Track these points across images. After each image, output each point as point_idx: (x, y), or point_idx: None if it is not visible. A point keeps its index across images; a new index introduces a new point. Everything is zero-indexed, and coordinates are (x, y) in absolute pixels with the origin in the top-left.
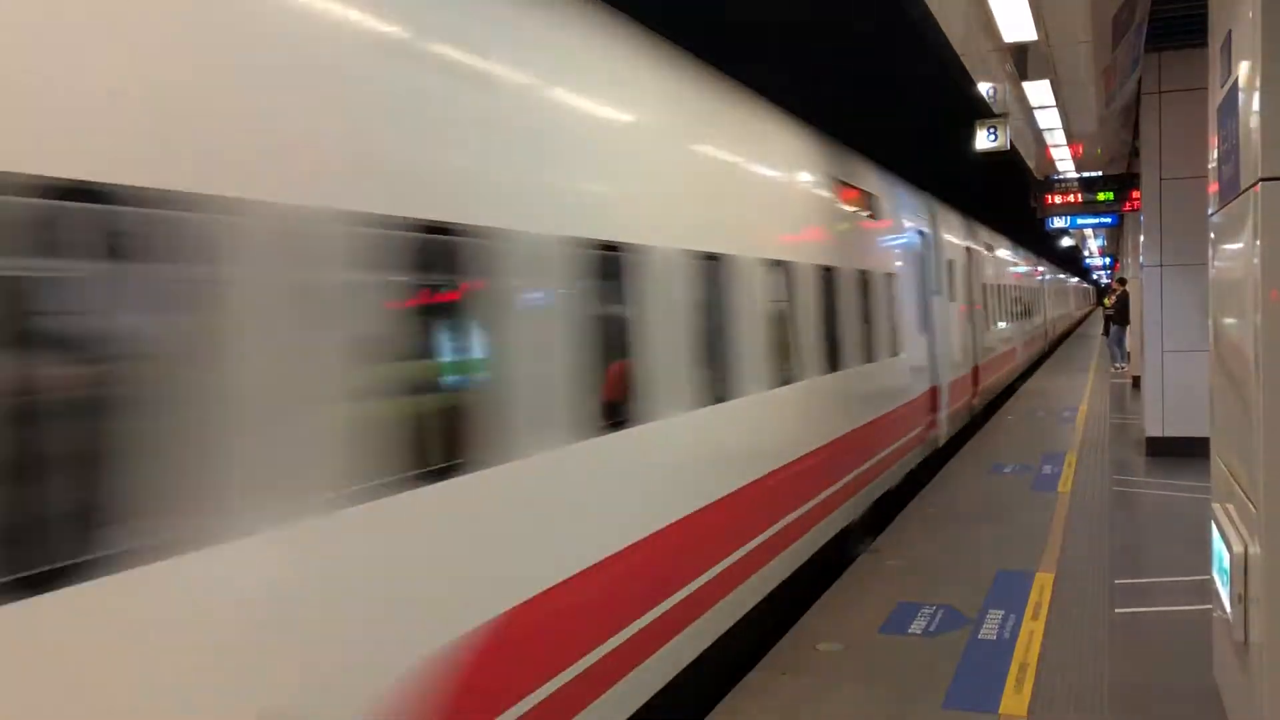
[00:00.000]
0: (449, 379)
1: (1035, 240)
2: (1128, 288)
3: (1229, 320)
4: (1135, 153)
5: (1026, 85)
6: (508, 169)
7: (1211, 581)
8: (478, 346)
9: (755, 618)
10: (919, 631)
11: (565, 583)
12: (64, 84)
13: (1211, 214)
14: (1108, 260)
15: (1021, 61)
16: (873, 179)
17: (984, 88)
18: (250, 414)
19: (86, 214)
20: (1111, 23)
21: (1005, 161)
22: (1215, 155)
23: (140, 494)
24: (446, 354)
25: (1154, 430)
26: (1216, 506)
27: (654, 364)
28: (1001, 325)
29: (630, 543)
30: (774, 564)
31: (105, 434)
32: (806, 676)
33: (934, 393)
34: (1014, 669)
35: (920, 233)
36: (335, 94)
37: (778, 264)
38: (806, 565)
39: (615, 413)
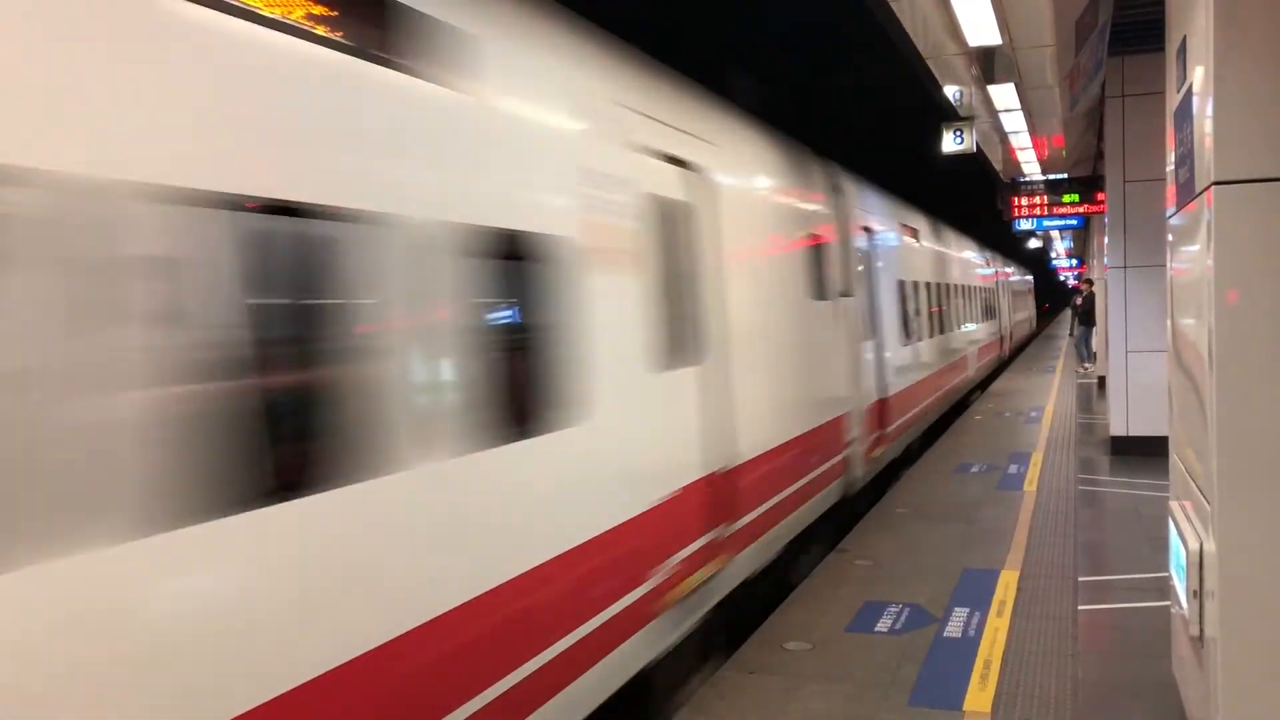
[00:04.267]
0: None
1: (1011, 243)
2: (1094, 288)
3: (1185, 321)
4: (1100, 155)
5: (992, 89)
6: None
7: (1170, 578)
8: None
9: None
10: (885, 630)
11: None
12: None
13: (1169, 216)
14: (1075, 261)
15: (987, 65)
16: (1004, 262)
17: (950, 91)
18: None
19: None
20: (1075, 27)
21: (974, 163)
22: (1172, 159)
23: None
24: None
25: (1118, 429)
26: (1174, 504)
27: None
28: (1017, 313)
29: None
30: (982, 364)
31: None
32: (773, 675)
33: (1001, 339)
34: (978, 666)
35: (998, 272)
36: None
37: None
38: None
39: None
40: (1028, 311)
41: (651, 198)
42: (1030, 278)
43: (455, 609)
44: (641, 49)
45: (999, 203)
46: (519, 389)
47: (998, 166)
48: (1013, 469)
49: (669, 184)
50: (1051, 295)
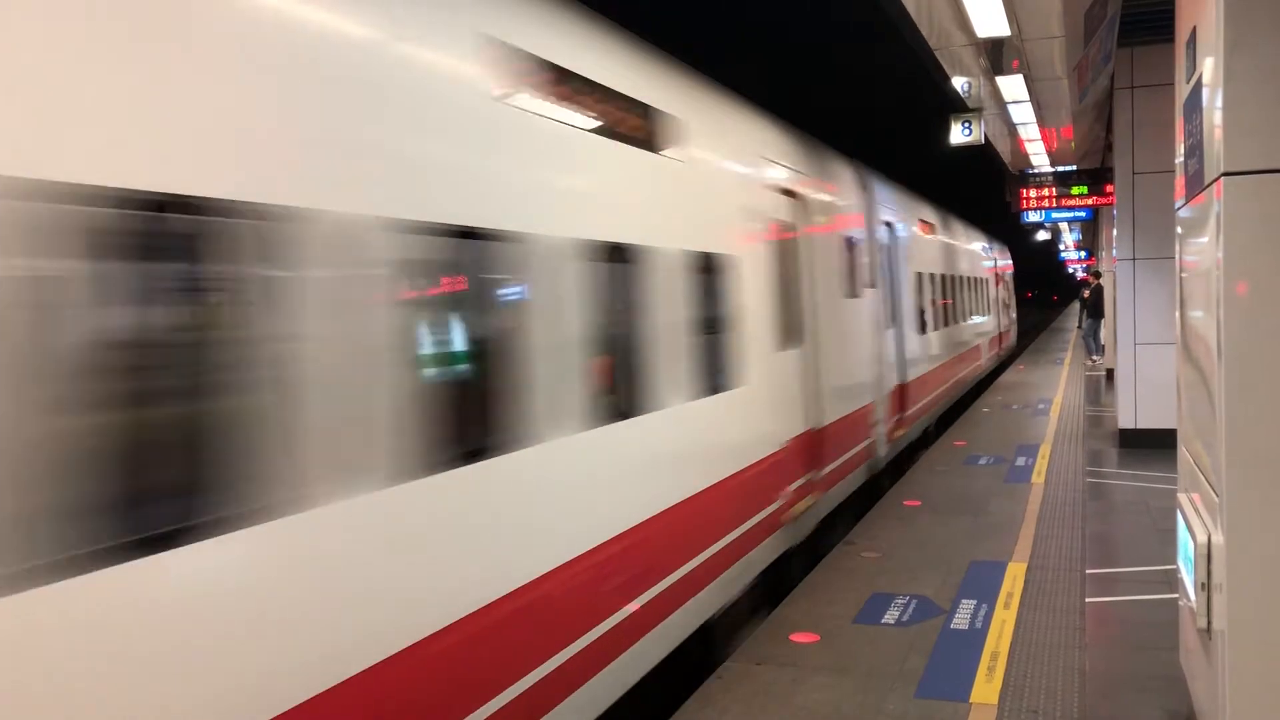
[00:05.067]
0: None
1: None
2: (1101, 281)
3: (1194, 313)
4: (1109, 147)
5: (1000, 80)
6: None
7: (1178, 570)
8: None
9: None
10: (892, 622)
11: None
12: None
13: (1178, 208)
14: (1083, 254)
15: (996, 56)
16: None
17: (958, 82)
18: None
19: None
20: (1084, 18)
21: (980, 155)
22: (1181, 150)
23: None
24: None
25: (1126, 422)
26: (1183, 496)
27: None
28: (961, 332)
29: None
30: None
31: None
32: (781, 666)
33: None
34: (985, 658)
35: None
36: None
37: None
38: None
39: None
40: (991, 322)
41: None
42: (1003, 261)
43: None
44: (648, 40)
45: (1007, 194)
46: None
47: (1006, 159)
48: (1021, 461)
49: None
50: (1061, 287)
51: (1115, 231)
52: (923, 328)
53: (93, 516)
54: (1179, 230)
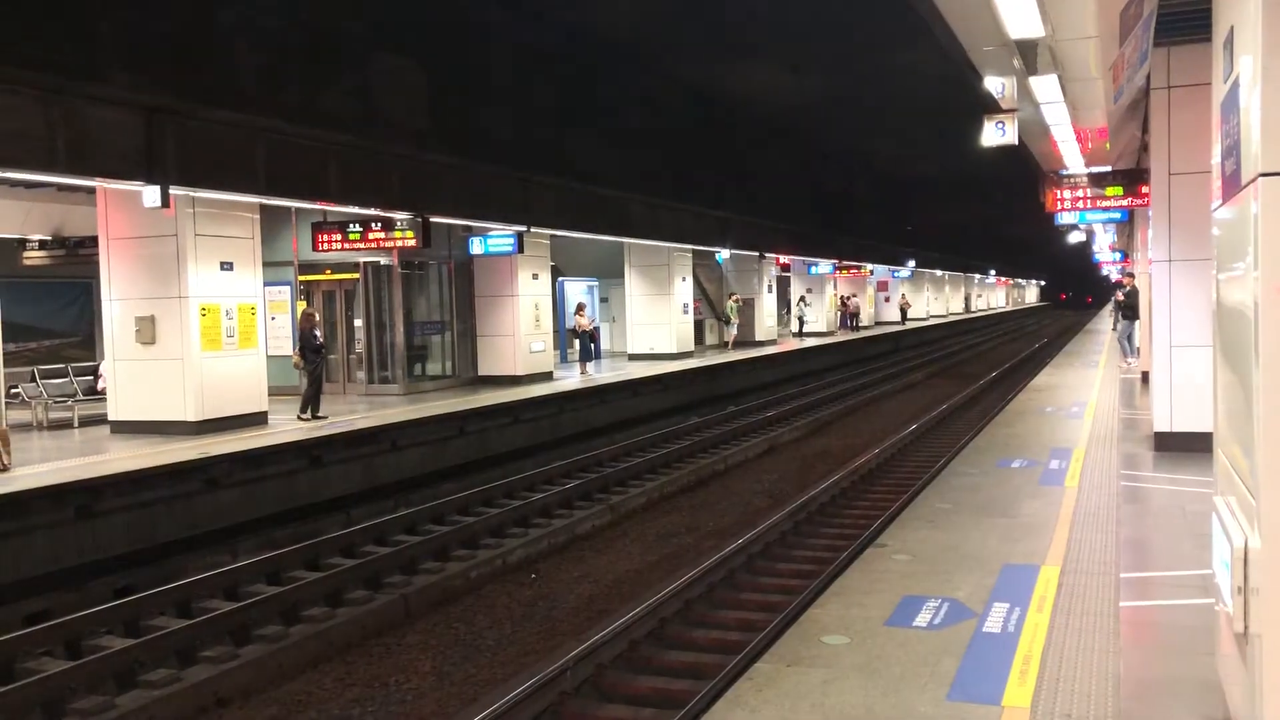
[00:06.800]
0: None
1: None
2: (1136, 282)
3: (1231, 315)
4: (1144, 148)
5: (1033, 80)
6: None
7: (1214, 575)
8: None
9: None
10: (924, 624)
11: None
12: None
13: (1215, 209)
14: (1118, 255)
15: (1029, 56)
16: None
17: (992, 83)
18: None
19: None
20: (1120, 17)
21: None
22: (1218, 150)
23: None
24: None
25: (1162, 425)
26: (1219, 499)
27: None
28: None
29: None
30: None
31: None
32: (812, 668)
33: None
34: (1018, 661)
35: None
36: None
37: None
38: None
39: None
40: None
41: None
42: None
43: None
44: None
45: (1040, 195)
46: None
47: (1038, 159)
48: (1054, 464)
49: None
50: (1096, 289)
51: (1151, 233)
52: None
53: None
54: (1216, 231)
